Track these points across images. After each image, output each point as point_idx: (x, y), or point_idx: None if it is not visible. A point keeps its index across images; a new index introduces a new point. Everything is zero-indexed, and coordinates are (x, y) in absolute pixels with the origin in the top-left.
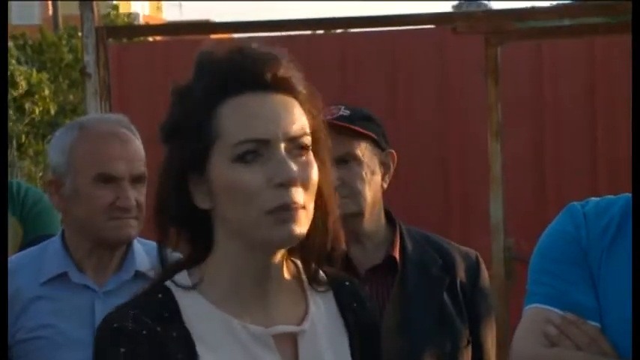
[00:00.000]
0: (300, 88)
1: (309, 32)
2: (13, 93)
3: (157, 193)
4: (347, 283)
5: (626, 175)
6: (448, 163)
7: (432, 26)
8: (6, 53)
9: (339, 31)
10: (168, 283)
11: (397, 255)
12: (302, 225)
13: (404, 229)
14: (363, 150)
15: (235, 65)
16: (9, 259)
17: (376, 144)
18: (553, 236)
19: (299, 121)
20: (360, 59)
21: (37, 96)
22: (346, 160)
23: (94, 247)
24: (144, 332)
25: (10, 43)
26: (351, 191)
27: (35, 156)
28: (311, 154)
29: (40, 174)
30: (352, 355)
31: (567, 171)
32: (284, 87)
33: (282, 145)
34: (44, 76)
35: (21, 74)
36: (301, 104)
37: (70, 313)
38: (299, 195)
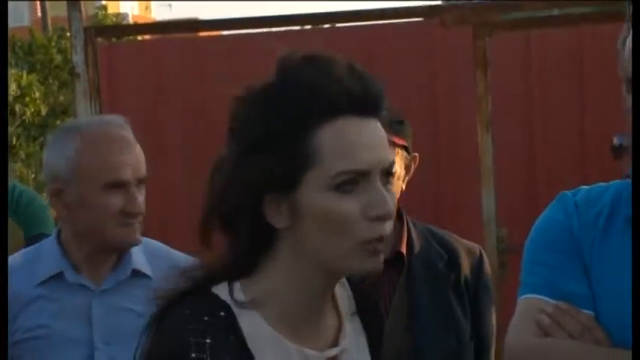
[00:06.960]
0: (385, 109)
1: (297, 28)
2: None
3: (220, 200)
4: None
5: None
6: (439, 156)
7: (421, 19)
8: (6, 54)
9: (326, 26)
10: (226, 298)
11: (404, 250)
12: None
13: (410, 224)
14: (394, 157)
15: (331, 85)
16: None
17: (406, 150)
18: (545, 225)
19: (388, 148)
20: (348, 54)
21: (27, 98)
22: None
23: (95, 251)
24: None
25: None
26: None
27: (27, 158)
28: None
29: (32, 176)
30: None
31: (558, 161)
32: (375, 110)
33: (378, 176)
34: (34, 77)
35: (11, 77)
36: (383, 126)
37: (67, 313)
38: (390, 227)
